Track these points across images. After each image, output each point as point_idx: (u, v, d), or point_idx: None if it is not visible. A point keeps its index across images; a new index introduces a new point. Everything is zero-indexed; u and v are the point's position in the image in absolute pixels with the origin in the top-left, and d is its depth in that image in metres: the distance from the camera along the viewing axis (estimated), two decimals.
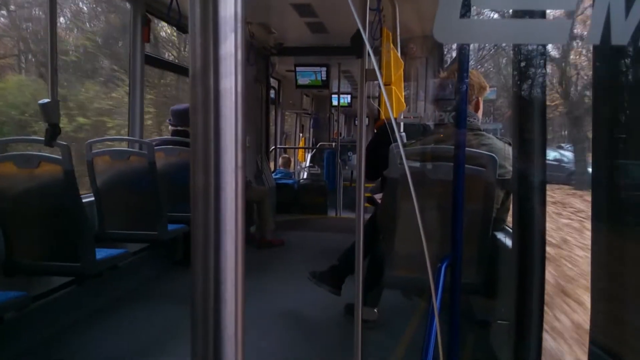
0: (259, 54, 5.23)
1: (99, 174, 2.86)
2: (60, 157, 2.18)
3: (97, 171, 2.86)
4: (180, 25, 3.63)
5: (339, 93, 6.82)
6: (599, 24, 0.31)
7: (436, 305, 1.61)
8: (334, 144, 7.86)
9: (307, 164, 8.90)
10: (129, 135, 3.50)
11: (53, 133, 2.27)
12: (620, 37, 0.33)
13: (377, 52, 2.85)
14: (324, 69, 6.26)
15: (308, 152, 9.23)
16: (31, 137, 2.95)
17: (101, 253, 2.41)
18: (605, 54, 1.13)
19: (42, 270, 2.34)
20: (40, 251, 2.30)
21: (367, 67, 1.60)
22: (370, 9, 2.00)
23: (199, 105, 0.33)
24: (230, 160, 0.34)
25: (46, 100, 2.29)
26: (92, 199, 2.87)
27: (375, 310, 2.56)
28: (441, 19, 0.36)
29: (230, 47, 0.33)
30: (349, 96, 8.72)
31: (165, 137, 3.68)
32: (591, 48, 1.20)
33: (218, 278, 0.34)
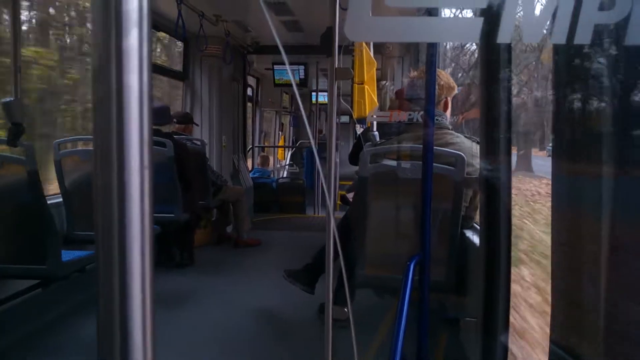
0: (236, 52, 5.18)
1: (68, 174, 2.80)
2: (23, 158, 2.12)
3: (66, 171, 2.80)
4: (155, 24, 3.57)
5: (317, 91, 6.81)
6: (510, 22, 0.31)
7: (405, 302, 1.62)
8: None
9: (287, 163, 8.85)
10: None
11: (16, 132, 2.21)
12: (533, 37, 0.33)
13: (350, 51, 2.84)
14: (302, 67, 6.23)
15: (288, 151, 9.18)
16: None
17: (68, 255, 2.35)
18: (565, 53, 1.15)
19: (6, 273, 2.27)
20: (4, 253, 2.23)
21: (337, 66, 1.60)
22: (341, 8, 1.99)
23: (100, 102, 0.32)
24: (135, 160, 0.32)
25: (9, 98, 2.22)
26: (61, 199, 2.80)
27: (346, 309, 2.56)
28: (352, 16, 0.35)
29: (133, 41, 0.32)
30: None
31: None
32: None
33: (124, 282, 0.33)
